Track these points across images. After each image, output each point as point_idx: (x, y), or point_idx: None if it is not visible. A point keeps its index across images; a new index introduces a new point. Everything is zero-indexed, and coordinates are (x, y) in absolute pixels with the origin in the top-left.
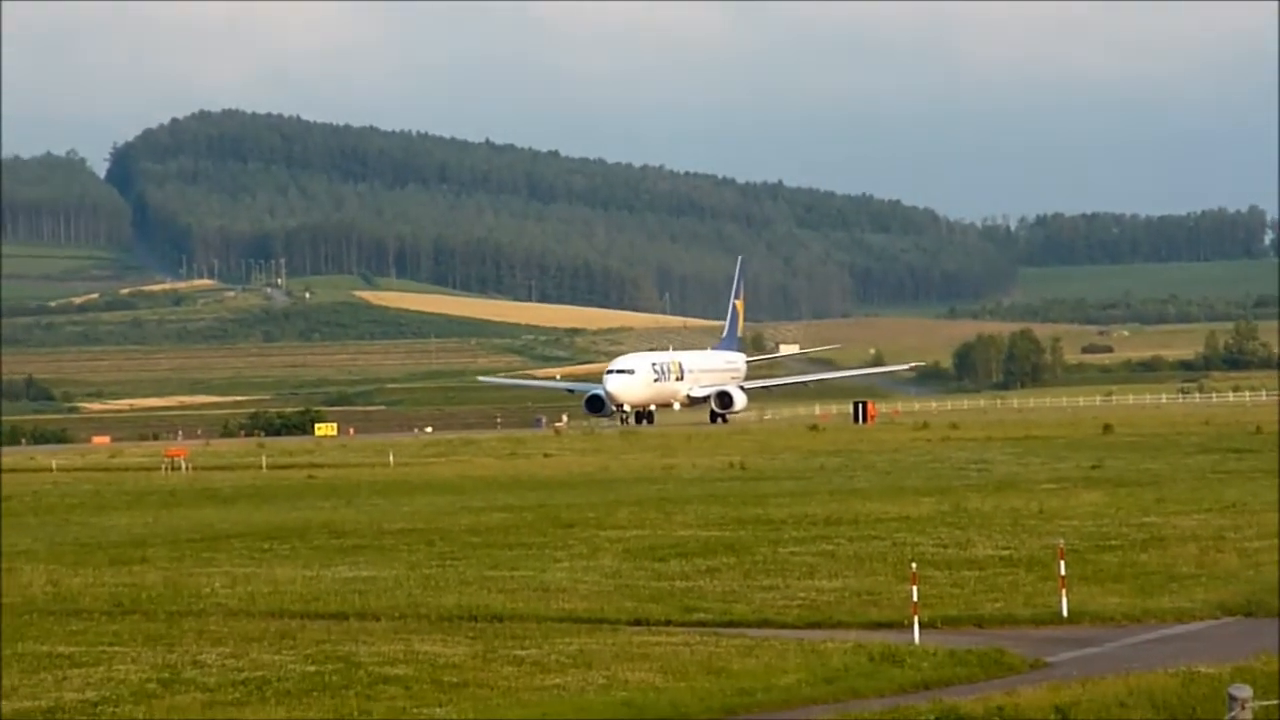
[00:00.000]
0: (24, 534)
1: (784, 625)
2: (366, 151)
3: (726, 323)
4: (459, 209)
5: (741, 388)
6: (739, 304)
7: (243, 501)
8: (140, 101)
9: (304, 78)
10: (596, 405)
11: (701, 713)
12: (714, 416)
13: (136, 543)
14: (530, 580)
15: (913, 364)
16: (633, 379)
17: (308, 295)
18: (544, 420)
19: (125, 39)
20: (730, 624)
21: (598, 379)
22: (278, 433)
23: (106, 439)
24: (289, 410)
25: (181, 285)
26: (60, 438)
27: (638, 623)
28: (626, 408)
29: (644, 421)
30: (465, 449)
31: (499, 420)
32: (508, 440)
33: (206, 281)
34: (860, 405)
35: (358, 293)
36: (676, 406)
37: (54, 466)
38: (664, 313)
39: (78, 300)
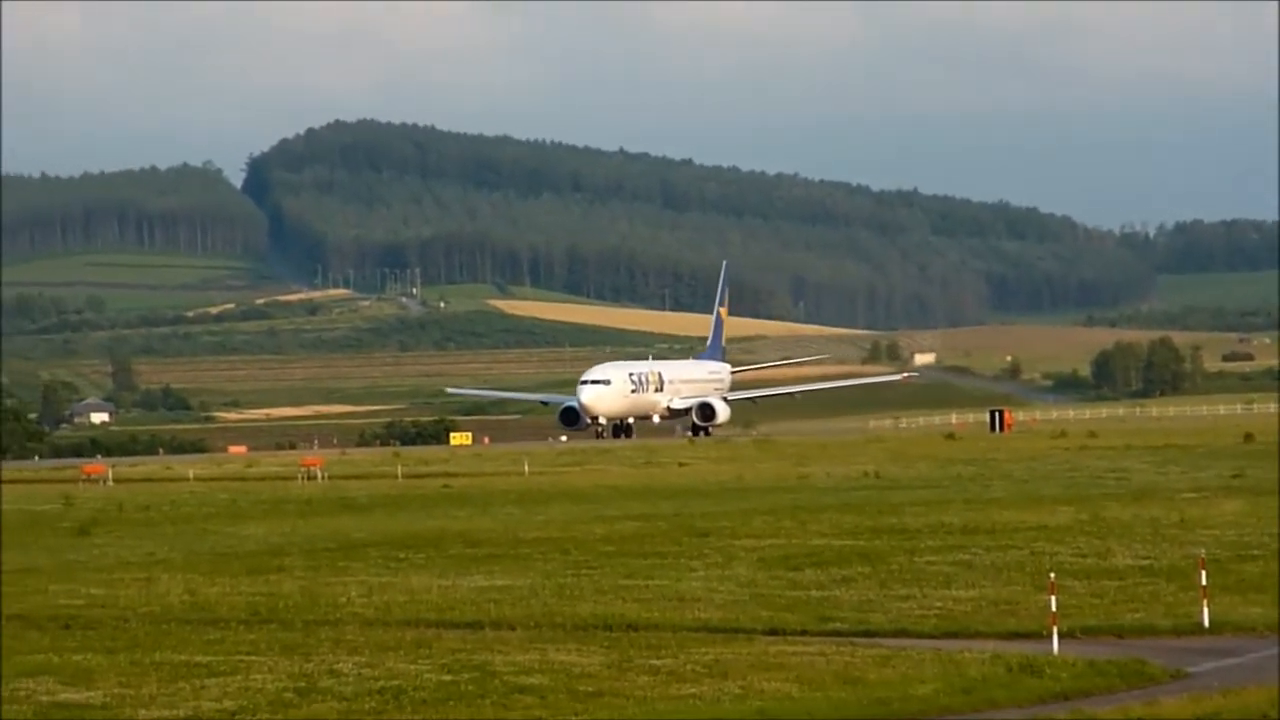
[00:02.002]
0: (162, 543)
1: (920, 635)
2: (500, 160)
3: (710, 331)
4: (592, 217)
5: (725, 399)
6: (723, 311)
7: (378, 511)
8: (275, 112)
9: (438, 87)
10: (571, 418)
11: None
12: (695, 429)
13: (273, 552)
14: (665, 589)
15: (906, 373)
16: (608, 390)
17: (442, 304)
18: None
19: (260, 49)
20: (866, 633)
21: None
22: (413, 442)
23: (243, 448)
24: (424, 419)
25: (317, 295)
26: (197, 447)
27: (773, 632)
28: (602, 420)
29: (621, 435)
30: (599, 457)
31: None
32: (642, 449)
33: (341, 291)
34: (997, 414)
35: (492, 301)
36: (656, 419)
37: (191, 476)
38: (798, 321)
39: (214, 310)
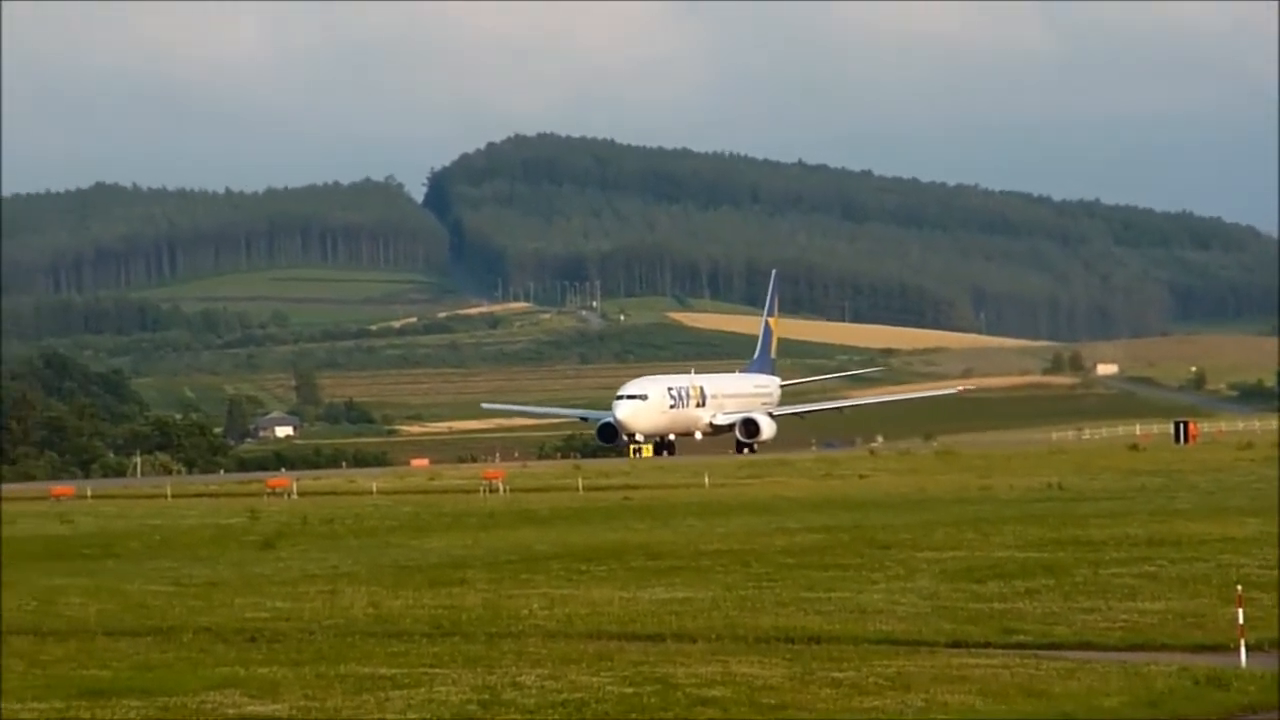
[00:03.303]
0: (346, 556)
1: (1105, 648)
2: (679, 173)
3: (759, 342)
4: (771, 229)
5: (770, 415)
6: (772, 321)
7: (559, 523)
8: (456, 126)
9: (617, 101)
10: (608, 435)
11: None
12: (740, 447)
13: (455, 564)
14: (846, 602)
15: (962, 386)
16: (645, 405)
17: (622, 317)
18: (851, 441)
19: (441, 65)
20: (1050, 646)
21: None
22: (593, 454)
23: (425, 461)
24: None
25: (497, 308)
26: (380, 460)
27: (956, 645)
28: (639, 437)
29: (664, 453)
30: (779, 469)
31: (813, 441)
32: (822, 461)
33: (522, 304)
34: (1181, 425)
35: (671, 314)
36: (698, 435)
37: (375, 489)
38: (979, 332)
39: (396, 324)
